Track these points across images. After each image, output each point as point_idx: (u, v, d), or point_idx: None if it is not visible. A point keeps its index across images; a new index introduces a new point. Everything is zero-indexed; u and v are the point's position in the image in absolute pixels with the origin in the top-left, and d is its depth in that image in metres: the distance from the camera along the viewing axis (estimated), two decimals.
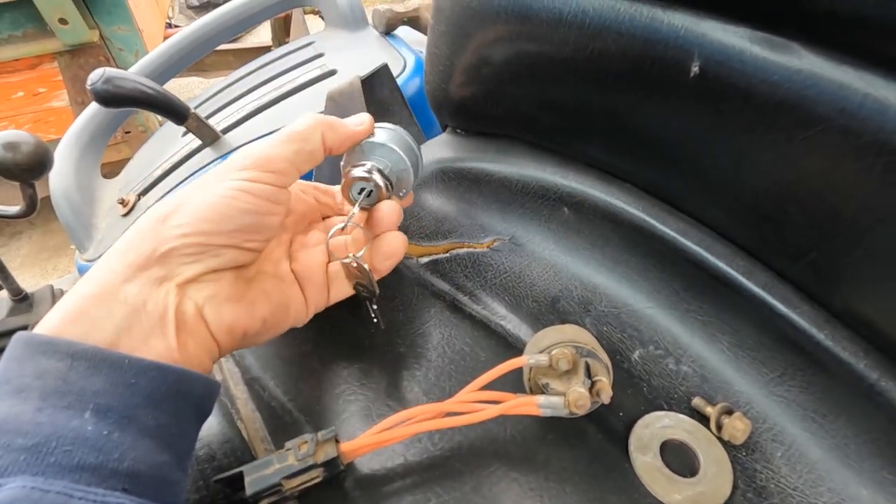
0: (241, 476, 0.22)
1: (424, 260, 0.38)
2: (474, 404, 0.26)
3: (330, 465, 0.23)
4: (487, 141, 0.40)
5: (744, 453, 0.27)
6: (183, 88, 2.60)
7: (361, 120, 0.30)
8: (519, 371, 0.28)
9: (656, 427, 0.28)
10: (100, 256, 0.53)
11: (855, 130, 0.21)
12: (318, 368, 0.31)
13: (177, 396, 0.21)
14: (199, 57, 0.57)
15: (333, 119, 0.28)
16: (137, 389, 0.20)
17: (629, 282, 0.34)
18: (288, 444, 0.23)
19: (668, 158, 0.29)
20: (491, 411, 0.25)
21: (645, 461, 0.27)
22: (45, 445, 0.17)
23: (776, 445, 0.27)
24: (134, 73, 0.45)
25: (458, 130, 0.41)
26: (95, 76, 0.42)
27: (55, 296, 0.57)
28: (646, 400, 0.30)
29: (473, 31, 0.31)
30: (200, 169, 0.50)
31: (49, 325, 0.21)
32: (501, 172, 0.38)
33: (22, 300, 0.54)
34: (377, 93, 0.45)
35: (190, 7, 2.98)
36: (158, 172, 0.53)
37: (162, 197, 0.51)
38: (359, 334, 0.33)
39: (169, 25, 2.61)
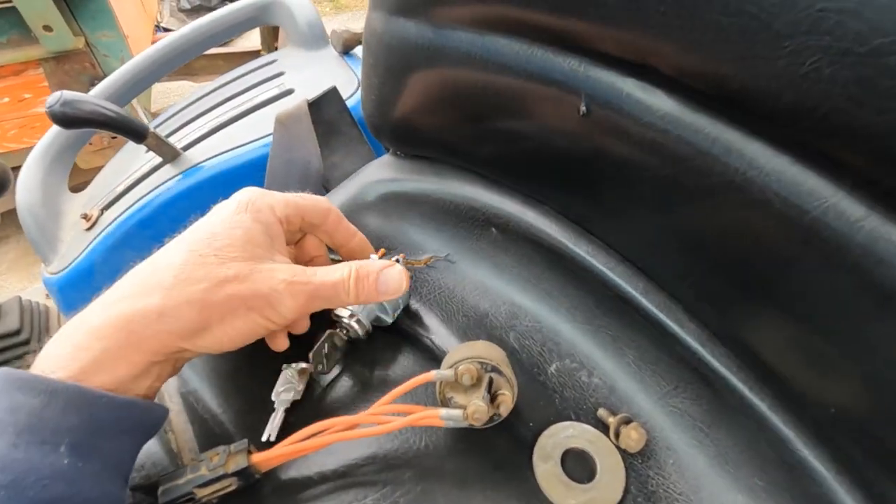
0: (157, 485, 0.24)
1: None
2: (385, 416, 0.28)
3: (242, 474, 0.25)
4: (424, 163, 0.42)
5: (639, 461, 0.30)
6: (171, 92, 2.61)
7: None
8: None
9: (560, 437, 0.30)
10: (63, 270, 0.55)
11: (704, 169, 0.23)
12: (249, 383, 0.33)
13: (138, 427, 0.23)
14: (160, 77, 0.59)
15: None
16: (108, 423, 0.21)
17: (550, 299, 0.36)
18: (202, 456, 0.25)
19: (571, 186, 0.32)
20: (397, 423, 0.27)
21: (545, 469, 0.29)
22: (22, 481, 0.18)
23: (669, 453, 0.29)
24: (93, 96, 0.47)
25: (398, 153, 0.43)
26: (52, 99, 0.44)
27: (22, 307, 0.58)
28: (556, 411, 0.32)
29: (396, 66, 0.33)
30: (160, 185, 0.52)
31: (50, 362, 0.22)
32: (436, 193, 0.40)
33: None
34: (325, 114, 0.47)
35: (182, 10, 2.98)
36: (121, 188, 0.54)
37: (123, 212, 0.53)
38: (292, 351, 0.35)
39: (158, 29, 2.62)
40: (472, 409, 0.27)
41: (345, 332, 0.33)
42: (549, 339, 0.35)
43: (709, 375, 0.28)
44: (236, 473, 0.25)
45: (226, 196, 0.53)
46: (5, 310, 0.57)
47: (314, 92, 0.52)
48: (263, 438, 0.28)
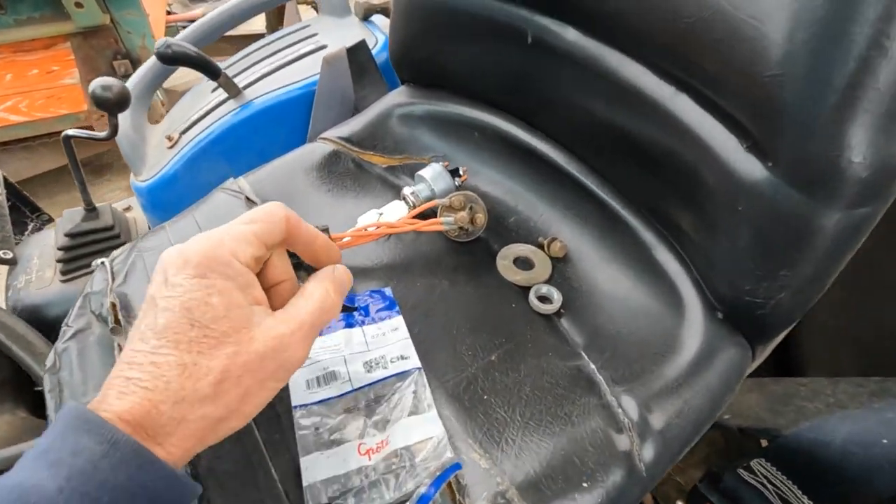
0: None
1: (384, 165, 0.58)
2: (406, 225, 0.46)
3: None
4: (430, 90, 0.60)
5: (562, 263, 0.48)
6: (181, 72, 2.75)
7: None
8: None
9: (514, 249, 0.49)
10: (150, 178, 0.72)
11: (594, 72, 0.41)
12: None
13: (176, 501, 0.23)
14: (225, 32, 0.76)
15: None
16: (147, 492, 0.21)
17: (512, 177, 0.54)
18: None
19: (524, 93, 0.50)
20: (421, 224, 0.45)
21: (503, 264, 0.47)
22: None
23: (579, 259, 0.48)
24: (184, 41, 0.64)
25: (411, 83, 0.61)
26: (160, 43, 0.61)
27: (113, 210, 0.75)
28: (513, 240, 0.50)
29: (416, 15, 0.51)
30: (226, 114, 0.70)
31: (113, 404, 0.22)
32: (438, 111, 0.58)
33: (91, 210, 0.72)
34: (358, 59, 0.65)
35: None
36: (195, 117, 0.72)
37: (198, 135, 0.70)
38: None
39: (169, 12, 2.76)
40: (460, 216, 0.45)
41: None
42: (510, 201, 0.53)
43: (607, 213, 0.47)
44: None
45: (277, 125, 0.71)
46: (101, 211, 0.74)
47: (344, 46, 0.70)
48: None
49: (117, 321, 0.39)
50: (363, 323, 0.40)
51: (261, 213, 0.27)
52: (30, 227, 0.91)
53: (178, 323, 0.23)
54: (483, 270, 0.47)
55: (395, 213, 0.51)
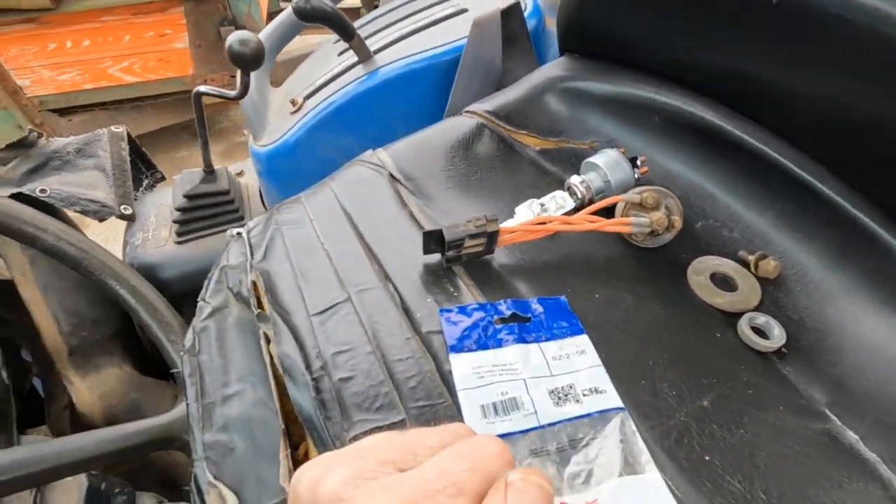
0: (441, 232, 0.35)
1: (537, 148, 0.50)
2: (586, 223, 0.38)
3: (491, 237, 0.36)
4: (596, 63, 0.51)
5: (772, 286, 0.38)
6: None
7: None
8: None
9: (709, 263, 0.39)
10: (271, 143, 0.68)
11: (865, 43, 0.31)
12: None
13: None
14: None
15: None
16: None
17: (700, 172, 0.44)
18: (468, 218, 0.36)
19: (751, 72, 0.40)
20: (602, 223, 0.37)
21: (698, 280, 0.38)
22: None
23: (798, 282, 0.38)
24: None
25: (575, 54, 0.52)
26: None
27: (229, 174, 0.73)
28: (701, 251, 0.41)
29: None
30: (355, 80, 0.64)
31: None
32: (608, 88, 0.49)
33: (210, 172, 0.70)
34: (509, 25, 0.57)
35: None
36: (321, 81, 0.67)
37: (323, 101, 0.65)
38: None
39: None
40: (656, 217, 0.36)
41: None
42: (695, 203, 0.44)
43: (846, 222, 0.36)
44: (489, 234, 0.35)
45: (406, 94, 0.64)
46: (218, 174, 0.72)
47: (483, 11, 0.62)
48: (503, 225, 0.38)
49: (260, 304, 0.35)
50: (539, 339, 0.33)
51: (478, 478, 0.18)
52: (144, 184, 0.91)
53: None
54: (671, 285, 0.38)
55: (557, 205, 0.43)
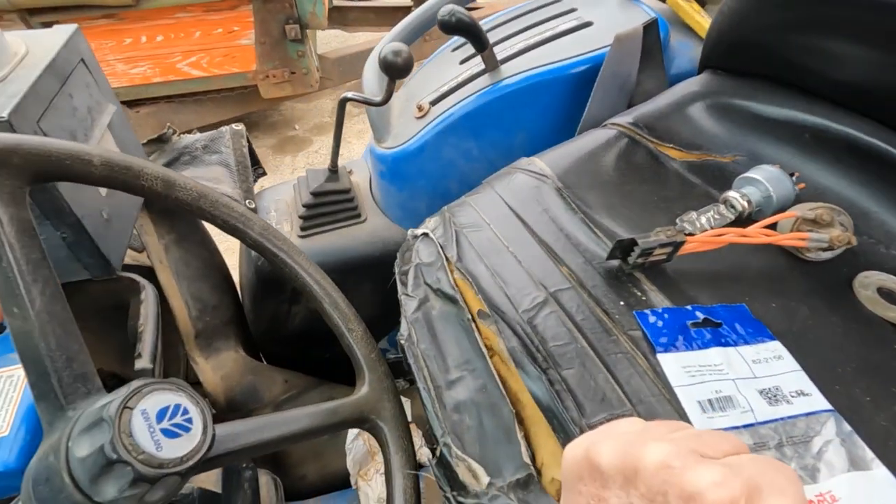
0: (633, 241, 0.38)
1: (682, 161, 0.52)
2: (762, 236, 0.40)
3: (675, 247, 0.38)
4: (740, 79, 0.53)
5: None
6: (322, 39, 2.86)
7: None
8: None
9: (874, 278, 0.41)
10: (397, 146, 0.72)
11: None
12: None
13: None
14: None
15: None
16: None
17: (852, 188, 0.46)
18: (658, 230, 0.38)
19: None
20: (774, 238, 0.40)
21: (866, 294, 0.40)
22: None
23: None
24: (459, 8, 0.62)
25: (718, 70, 0.54)
26: (445, 11, 0.60)
27: (347, 173, 0.77)
28: (862, 266, 0.43)
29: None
30: (482, 88, 0.68)
31: None
32: (749, 105, 0.52)
33: (334, 171, 0.75)
34: (647, 40, 0.59)
35: None
36: (446, 88, 0.70)
37: (450, 108, 0.68)
38: None
39: None
40: (836, 234, 0.39)
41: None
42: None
43: None
44: (674, 244, 0.38)
45: (531, 105, 0.67)
46: (341, 173, 0.77)
47: (610, 25, 0.65)
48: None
49: (466, 302, 0.38)
50: (736, 343, 0.35)
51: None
52: (251, 180, 0.97)
53: None
54: (840, 298, 0.41)
55: (715, 218, 0.45)
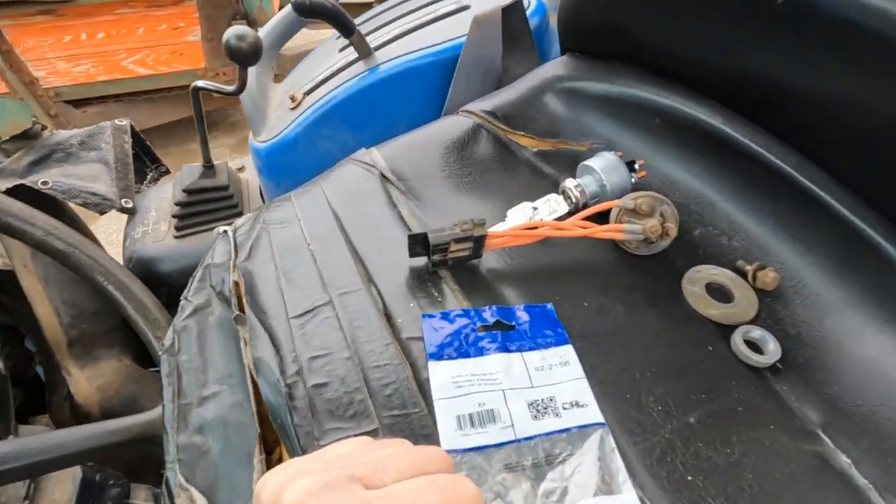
0: (426, 236, 0.34)
1: (534, 150, 0.49)
2: (577, 229, 0.37)
3: (478, 241, 0.35)
4: (596, 62, 0.49)
5: (770, 298, 0.37)
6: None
7: None
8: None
9: (705, 272, 0.38)
10: (270, 139, 0.68)
11: (880, 46, 0.29)
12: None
13: None
14: None
15: None
16: None
17: (700, 178, 0.43)
18: (454, 223, 0.35)
19: (752, 74, 0.38)
20: (594, 230, 0.36)
21: (692, 290, 0.37)
22: None
23: (797, 294, 0.36)
24: None
25: (577, 53, 0.51)
26: None
27: (229, 169, 0.73)
28: (699, 259, 0.40)
29: None
30: (354, 77, 0.64)
31: None
32: (610, 89, 0.48)
33: (209, 167, 0.70)
34: (511, 22, 0.55)
35: None
36: (321, 77, 0.66)
37: (323, 97, 0.64)
38: None
39: None
40: (650, 225, 0.35)
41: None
42: (695, 211, 0.42)
43: (848, 233, 0.35)
44: (476, 238, 0.34)
45: (407, 92, 0.63)
46: (218, 169, 0.72)
47: (487, 8, 0.61)
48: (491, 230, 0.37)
49: (241, 306, 0.34)
50: (522, 348, 0.32)
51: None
52: (148, 177, 0.92)
53: None
54: (665, 294, 0.37)
55: (550, 209, 0.42)
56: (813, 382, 0.32)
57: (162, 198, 0.77)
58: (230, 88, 0.58)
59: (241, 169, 0.81)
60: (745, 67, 0.39)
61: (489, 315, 0.33)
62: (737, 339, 0.34)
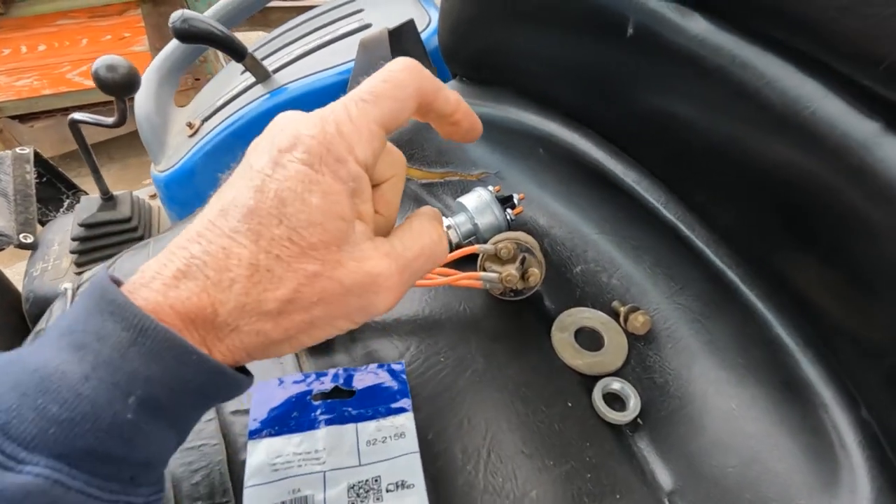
0: None
1: (422, 181, 0.46)
2: (438, 277, 0.34)
3: None
4: (485, 88, 0.47)
5: (642, 343, 0.35)
6: (249, 41, 2.75)
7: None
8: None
9: (577, 316, 0.36)
10: (169, 168, 0.64)
11: (725, 83, 0.27)
12: None
13: (218, 396, 0.20)
14: (258, 9, 0.67)
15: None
16: (189, 387, 0.18)
17: (582, 212, 0.41)
18: None
19: (613, 105, 0.36)
20: (448, 279, 0.34)
21: (561, 337, 0.35)
22: (78, 425, 0.16)
23: (668, 339, 0.34)
24: (207, 17, 0.55)
25: (463, 79, 0.48)
26: (175, 16, 0.52)
27: (133, 199, 0.69)
28: (576, 300, 0.38)
29: None
30: (252, 101, 0.61)
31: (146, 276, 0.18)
32: (494, 115, 0.46)
33: (109, 199, 0.66)
34: (403, 43, 0.53)
35: None
36: (219, 103, 0.63)
37: (220, 123, 0.61)
38: None
39: None
40: (506, 273, 0.33)
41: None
42: (577, 246, 0.40)
43: (711, 274, 0.33)
44: None
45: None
46: (119, 200, 0.68)
47: (388, 27, 0.59)
48: None
49: None
50: (358, 418, 0.29)
51: (389, 86, 0.21)
52: (65, 204, 0.87)
53: (266, 211, 0.19)
54: (532, 344, 0.35)
55: None
56: (673, 439, 0.30)
57: (66, 230, 0.73)
58: (109, 120, 0.55)
59: (153, 196, 0.77)
60: (609, 93, 0.37)
61: (328, 380, 0.31)
62: (596, 395, 0.32)
